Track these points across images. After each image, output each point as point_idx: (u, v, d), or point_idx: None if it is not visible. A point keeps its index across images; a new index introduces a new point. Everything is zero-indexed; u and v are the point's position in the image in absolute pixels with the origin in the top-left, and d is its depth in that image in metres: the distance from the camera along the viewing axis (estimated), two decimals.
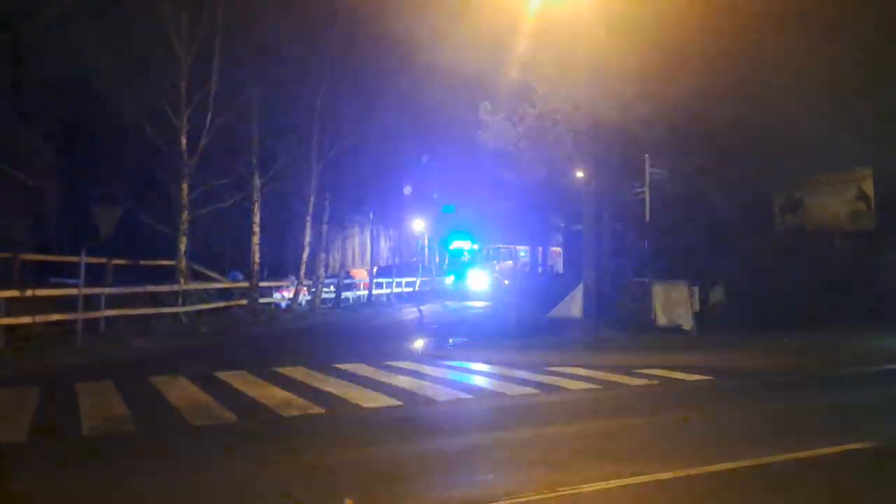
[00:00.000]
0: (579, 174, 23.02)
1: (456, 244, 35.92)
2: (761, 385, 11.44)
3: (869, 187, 24.40)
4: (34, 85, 21.11)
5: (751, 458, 6.39)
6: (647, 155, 19.39)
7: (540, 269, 40.98)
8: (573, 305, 20.04)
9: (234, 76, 19.92)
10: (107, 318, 15.28)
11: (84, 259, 14.71)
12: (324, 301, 26.46)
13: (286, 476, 5.94)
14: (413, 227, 41.80)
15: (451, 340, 16.28)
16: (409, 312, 24.71)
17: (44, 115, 21.78)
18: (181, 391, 9.46)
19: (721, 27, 19.63)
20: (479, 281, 31.36)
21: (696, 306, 18.00)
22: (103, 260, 19.12)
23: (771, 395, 10.54)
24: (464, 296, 30.12)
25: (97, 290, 15.16)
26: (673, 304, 18.11)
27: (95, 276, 17.38)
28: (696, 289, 18.19)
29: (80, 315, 14.11)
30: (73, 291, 14.39)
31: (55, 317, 13.92)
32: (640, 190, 19.68)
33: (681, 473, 5.91)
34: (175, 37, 18.44)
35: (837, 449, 6.83)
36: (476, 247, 33.95)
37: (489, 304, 27.25)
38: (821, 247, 24.53)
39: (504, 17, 19.37)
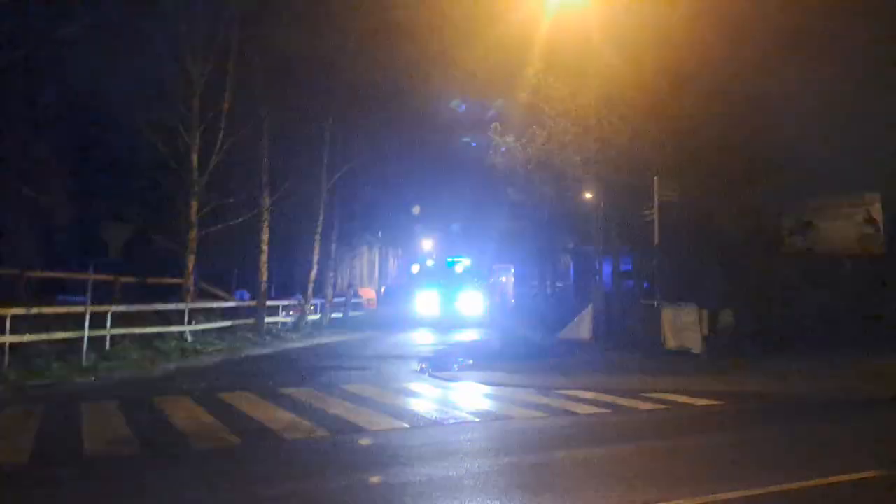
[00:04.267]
0: (588, 195, 23.01)
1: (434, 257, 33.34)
2: (771, 410, 11.28)
3: (877, 212, 24.35)
4: (46, 101, 21.28)
5: (762, 486, 6.26)
6: (655, 177, 19.32)
7: (549, 290, 40.85)
8: (582, 327, 19.97)
9: (247, 96, 20.03)
10: (112, 336, 15.23)
11: (92, 276, 14.72)
12: (332, 320, 26.40)
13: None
14: (422, 246, 41.83)
15: (457, 362, 16.15)
16: (416, 333, 24.58)
17: (55, 132, 21.92)
18: (185, 412, 9.39)
19: (731, 50, 19.66)
20: (473, 303, 28.70)
21: (706, 329, 17.83)
22: (111, 277, 19.17)
23: (780, 421, 10.37)
24: (450, 324, 27.00)
25: (104, 308, 15.13)
26: (682, 326, 17.95)
27: (103, 293, 17.40)
28: (705, 312, 18.02)
29: (86, 333, 14.07)
30: (80, 309, 14.37)
31: (60, 335, 13.88)
32: (649, 212, 19.59)
33: (693, 501, 5.79)
34: (189, 56, 18.58)
35: (851, 477, 6.69)
36: (468, 262, 31.95)
37: (486, 330, 25.35)
38: (830, 270, 24.41)
39: (514, 40, 19.48)
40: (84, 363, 13.49)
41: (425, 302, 28.48)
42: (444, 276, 29.50)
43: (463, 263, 30.33)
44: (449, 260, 30.57)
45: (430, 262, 30.76)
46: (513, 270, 38.75)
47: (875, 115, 21.35)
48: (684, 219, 20.91)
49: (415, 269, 30.70)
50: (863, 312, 21.20)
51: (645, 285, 24.68)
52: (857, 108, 21.21)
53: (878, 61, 21.06)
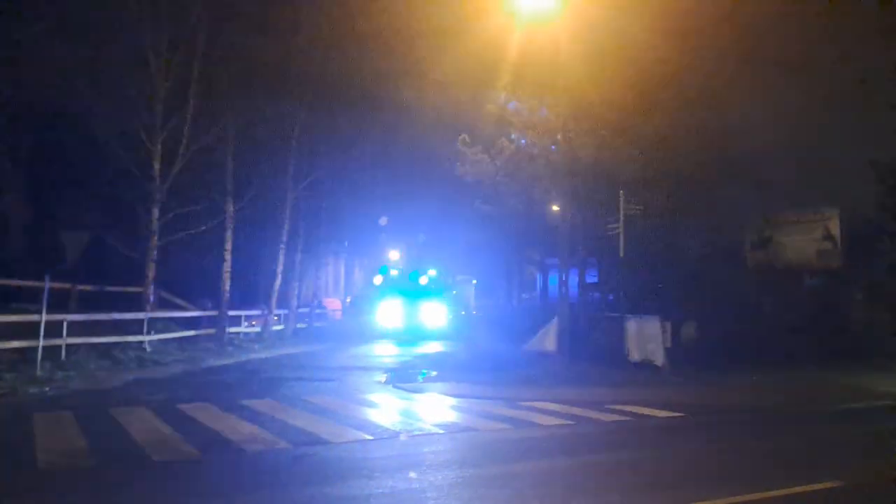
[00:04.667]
0: (555, 208, 23.19)
1: (390, 272, 30.85)
2: (732, 422, 11.42)
3: (835, 227, 24.97)
4: (2, 105, 20.72)
5: (723, 497, 6.32)
6: (621, 191, 19.54)
7: (515, 301, 40.94)
8: (547, 339, 20.01)
9: (212, 103, 19.74)
10: (69, 345, 14.83)
11: (48, 284, 14.32)
12: (296, 331, 26.09)
13: None
14: (389, 256, 41.65)
15: (422, 373, 16.07)
16: (380, 344, 24.42)
17: (11, 136, 21.36)
18: (143, 424, 9.16)
19: (696, 68, 20.05)
20: (437, 314, 28.34)
21: (669, 342, 18.03)
22: (68, 286, 18.67)
23: (741, 433, 10.50)
24: (413, 335, 26.68)
25: (59, 317, 14.73)
26: (646, 339, 18.12)
27: (59, 301, 16.94)
28: (668, 324, 18.24)
29: (41, 343, 13.68)
30: (35, 318, 13.97)
31: (14, 344, 13.46)
32: (614, 225, 19.79)
33: None
34: (153, 60, 18.26)
35: (809, 488, 6.78)
36: (433, 273, 31.32)
37: (451, 342, 25.39)
38: (790, 284, 24.91)
39: (484, 53, 19.60)
40: (39, 373, 13.08)
41: (387, 313, 28.12)
42: (407, 286, 28.89)
43: (428, 275, 29.87)
44: (413, 272, 30.18)
45: (393, 272, 30.35)
46: (475, 281, 38.47)
47: (835, 133, 21.93)
48: (649, 232, 21.19)
49: (377, 280, 30.25)
50: (821, 326, 21.66)
51: (609, 298, 24.89)
52: (817, 125, 21.76)
53: (841, 80, 21.63)
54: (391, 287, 28.93)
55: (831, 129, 22.44)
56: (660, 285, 21.57)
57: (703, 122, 20.99)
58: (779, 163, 22.92)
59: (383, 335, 26.79)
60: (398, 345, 24.13)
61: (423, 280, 28.96)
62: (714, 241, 23.85)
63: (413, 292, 28.40)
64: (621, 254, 19.48)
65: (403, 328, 27.39)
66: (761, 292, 24.00)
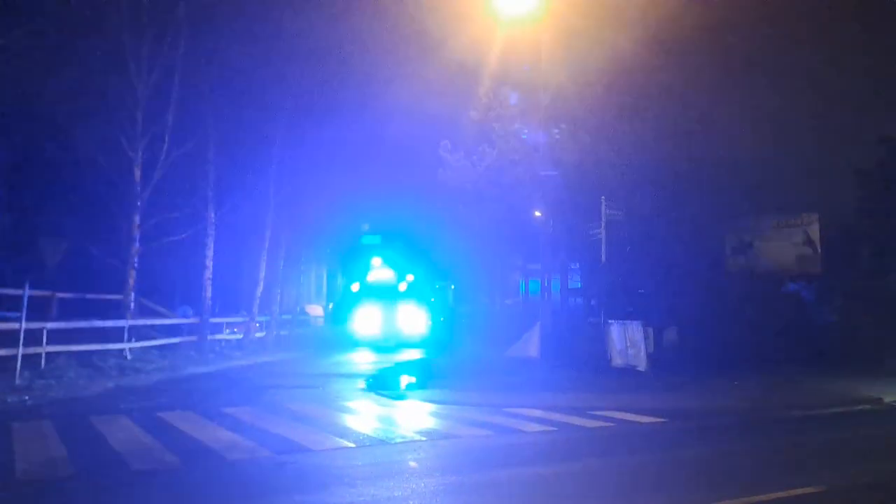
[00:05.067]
0: (537, 213, 23.27)
1: (375, 274, 29.85)
2: (714, 427, 11.47)
3: (815, 233, 25.19)
4: None
5: (712, 502, 6.36)
6: (603, 196, 19.65)
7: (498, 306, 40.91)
8: (530, 345, 20.06)
9: (192, 108, 19.65)
10: (48, 353, 14.67)
11: (27, 292, 14.15)
12: (278, 338, 25.96)
13: None
14: (373, 262, 41.47)
15: (402, 380, 16.06)
16: (361, 351, 24.34)
17: None
18: (123, 432, 9.08)
19: (677, 72, 20.21)
20: (416, 320, 27.55)
21: (651, 347, 18.12)
22: (48, 293, 18.48)
23: (722, 438, 10.57)
24: (392, 342, 26.19)
25: (39, 325, 14.58)
26: (628, 344, 18.21)
27: (39, 309, 16.76)
28: (650, 330, 18.34)
29: (20, 351, 13.53)
30: (14, 326, 13.80)
31: None
32: (596, 230, 19.90)
33: None
34: (133, 66, 18.14)
35: (791, 493, 6.84)
36: (411, 278, 29.46)
37: (431, 349, 25.10)
38: (770, 290, 25.11)
39: (465, 57, 19.66)
40: (18, 382, 12.94)
41: (365, 320, 27.58)
42: (385, 293, 28.32)
43: (406, 281, 29.51)
44: (366, 238, 29.53)
45: (371, 278, 30.02)
46: (453, 286, 37.92)
47: (815, 137, 22.19)
48: (631, 237, 21.31)
49: (355, 287, 29.92)
50: (802, 330, 21.86)
51: (592, 303, 24.99)
52: (797, 130, 22.00)
53: (820, 86, 21.90)
54: (369, 293, 28.57)
55: (810, 133, 22.74)
56: (641, 290, 21.69)
57: (685, 128, 21.15)
58: (759, 168, 23.17)
59: (362, 343, 26.50)
60: (377, 352, 24.04)
61: (402, 287, 28.72)
62: (696, 247, 24.01)
63: (391, 298, 27.96)
64: (603, 259, 19.60)
65: (381, 335, 26.94)
66: (742, 297, 24.18)
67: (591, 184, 20.37)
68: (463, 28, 19.16)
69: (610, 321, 18.89)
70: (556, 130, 20.15)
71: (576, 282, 28.15)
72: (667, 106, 20.84)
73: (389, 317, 27.50)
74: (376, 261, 30.25)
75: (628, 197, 20.66)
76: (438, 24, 19.76)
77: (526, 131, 20.43)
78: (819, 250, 25.13)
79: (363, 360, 21.09)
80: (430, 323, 28.33)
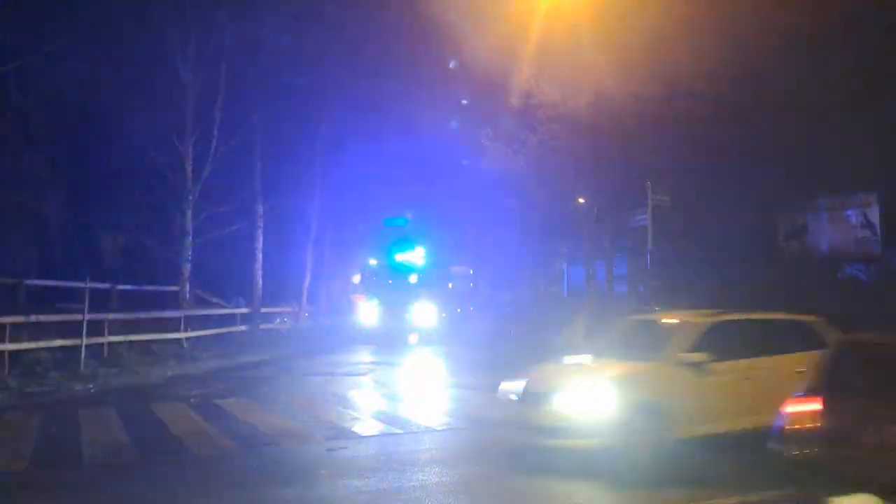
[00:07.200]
0: (581, 200, 23.10)
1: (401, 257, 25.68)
2: None
3: (874, 214, 24.30)
4: (40, 111, 21.26)
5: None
6: (648, 182, 19.42)
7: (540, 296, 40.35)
8: (574, 337, 19.88)
9: (239, 104, 20.10)
10: (110, 343, 15.28)
11: (89, 284, 14.78)
12: (326, 327, 26.29)
13: None
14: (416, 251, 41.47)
15: (441, 369, 16.15)
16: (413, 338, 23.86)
17: (49, 141, 21.94)
18: (182, 418, 9.49)
19: (724, 53, 19.69)
20: (426, 314, 23.74)
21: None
22: (108, 285, 19.24)
23: None
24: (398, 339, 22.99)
25: (101, 316, 15.18)
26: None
27: (100, 301, 17.46)
28: None
29: (84, 341, 14.13)
30: (78, 317, 14.41)
31: (58, 342, 13.94)
32: (642, 216, 19.68)
33: None
34: (181, 64, 18.64)
35: None
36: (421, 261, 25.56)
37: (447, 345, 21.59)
38: (826, 274, 24.39)
39: (505, 44, 19.57)
40: (82, 370, 13.53)
41: (368, 314, 24.13)
42: (395, 283, 24.48)
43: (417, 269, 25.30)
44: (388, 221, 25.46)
45: (389, 262, 25.51)
46: (472, 272, 32.24)
47: (871, 115, 21.35)
48: (678, 223, 21.01)
49: (356, 279, 26.53)
50: (862, 316, 21.17)
51: (640, 289, 24.69)
52: (853, 107, 21.22)
53: (876, 59, 21.00)
54: (376, 283, 24.89)
55: (869, 111, 21.83)
56: (690, 278, 21.34)
57: (731, 109, 20.62)
58: (815, 148, 22.38)
59: (365, 339, 23.26)
60: (423, 345, 22.59)
61: (413, 278, 24.89)
62: (746, 232, 23.47)
63: (402, 289, 24.18)
64: (650, 245, 19.38)
65: (385, 330, 23.49)
66: (797, 284, 23.50)
67: (636, 169, 20.12)
68: (502, 13, 19.03)
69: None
70: (599, 116, 19.89)
71: (622, 268, 27.82)
72: (714, 87, 20.34)
73: (396, 310, 23.62)
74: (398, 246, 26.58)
75: (675, 181, 20.34)
76: (477, 10, 19.64)
77: (567, 118, 20.24)
78: (879, 232, 24.26)
79: (404, 349, 21.14)
80: (443, 315, 24.70)
